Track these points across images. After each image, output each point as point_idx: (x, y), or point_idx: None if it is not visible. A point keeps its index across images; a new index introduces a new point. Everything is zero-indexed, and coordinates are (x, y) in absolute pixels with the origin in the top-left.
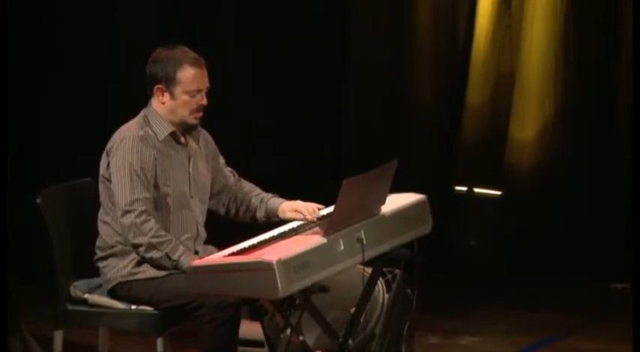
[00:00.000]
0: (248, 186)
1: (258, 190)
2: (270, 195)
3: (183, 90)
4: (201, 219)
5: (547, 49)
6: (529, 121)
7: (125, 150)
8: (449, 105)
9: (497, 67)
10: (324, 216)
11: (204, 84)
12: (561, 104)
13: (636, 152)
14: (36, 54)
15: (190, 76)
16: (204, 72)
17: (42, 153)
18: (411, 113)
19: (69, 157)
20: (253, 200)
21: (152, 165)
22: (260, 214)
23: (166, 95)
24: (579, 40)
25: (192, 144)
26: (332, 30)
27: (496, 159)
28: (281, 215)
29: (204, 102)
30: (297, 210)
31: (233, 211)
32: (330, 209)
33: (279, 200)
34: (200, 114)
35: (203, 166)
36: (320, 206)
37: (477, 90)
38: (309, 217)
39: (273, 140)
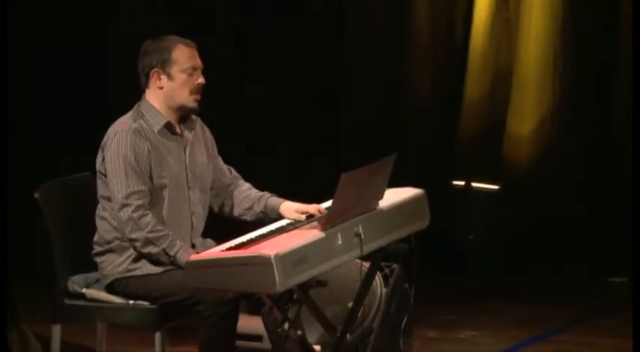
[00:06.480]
0: (246, 185)
1: (255, 189)
2: (269, 193)
3: (179, 70)
4: (200, 209)
5: (545, 43)
6: (527, 115)
7: (119, 144)
8: (447, 99)
9: (495, 61)
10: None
11: (199, 62)
12: (559, 98)
13: (636, 146)
14: (35, 50)
15: (185, 54)
16: (197, 53)
17: (40, 148)
18: (409, 107)
19: (68, 152)
20: (252, 195)
21: (146, 158)
22: (257, 209)
23: (164, 78)
24: (577, 34)
25: (187, 134)
26: (331, 26)
27: (494, 153)
28: (284, 212)
29: (202, 81)
30: (304, 211)
31: (227, 209)
32: (329, 203)
33: (280, 199)
34: (199, 97)
35: (201, 154)
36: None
37: (475, 84)
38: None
39: (272, 136)
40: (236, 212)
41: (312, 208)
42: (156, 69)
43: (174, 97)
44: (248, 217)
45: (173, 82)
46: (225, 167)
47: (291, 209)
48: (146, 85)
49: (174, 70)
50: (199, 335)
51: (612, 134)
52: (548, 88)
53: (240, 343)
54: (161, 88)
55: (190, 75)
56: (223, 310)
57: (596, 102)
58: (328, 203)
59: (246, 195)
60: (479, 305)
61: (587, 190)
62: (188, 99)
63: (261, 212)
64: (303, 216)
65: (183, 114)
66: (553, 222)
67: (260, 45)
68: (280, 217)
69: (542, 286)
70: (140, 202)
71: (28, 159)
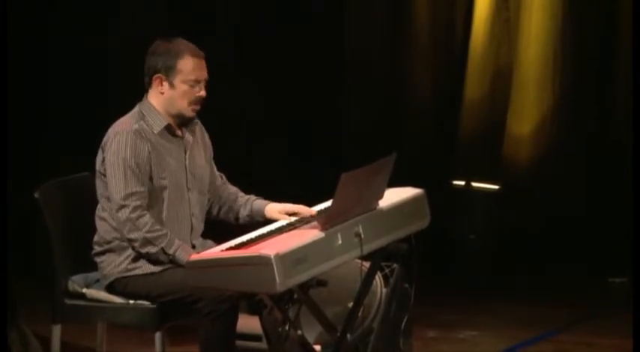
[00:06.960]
0: (234, 189)
1: (242, 193)
2: (255, 197)
3: (182, 80)
4: (198, 211)
5: (545, 43)
6: (527, 115)
7: (119, 145)
8: (447, 99)
9: (495, 61)
10: (319, 212)
11: (204, 75)
12: (559, 98)
13: (636, 146)
14: (35, 50)
15: (190, 65)
16: (204, 64)
17: (40, 148)
18: (409, 107)
19: (68, 152)
20: (238, 199)
21: (146, 159)
22: (244, 213)
23: (165, 85)
24: (577, 34)
25: (188, 136)
26: (331, 26)
27: (494, 153)
28: (268, 214)
29: (203, 93)
30: (289, 211)
31: (215, 210)
32: (325, 204)
33: (266, 201)
34: (198, 107)
35: (200, 157)
36: (313, 211)
37: (475, 84)
38: (306, 215)
39: (272, 136)
40: (222, 214)
41: (301, 209)
42: (159, 74)
43: (173, 104)
44: (233, 220)
45: (174, 91)
46: (217, 173)
47: (275, 210)
48: (149, 85)
49: (177, 80)
50: (199, 333)
51: (612, 134)
52: (548, 88)
53: (239, 343)
54: (162, 93)
55: (192, 86)
56: (223, 307)
57: (596, 102)
58: (326, 204)
59: (233, 199)
60: (479, 305)
61: (587, 190)
62: (186, 109)
63: (248, 215)
64: (288, 217)
65: (181, 121)
66: (553, 222)
67: (260, 45)
68: (265, 219)
69: (542, 286)
70: (138, 203)
71: (28, 159)
